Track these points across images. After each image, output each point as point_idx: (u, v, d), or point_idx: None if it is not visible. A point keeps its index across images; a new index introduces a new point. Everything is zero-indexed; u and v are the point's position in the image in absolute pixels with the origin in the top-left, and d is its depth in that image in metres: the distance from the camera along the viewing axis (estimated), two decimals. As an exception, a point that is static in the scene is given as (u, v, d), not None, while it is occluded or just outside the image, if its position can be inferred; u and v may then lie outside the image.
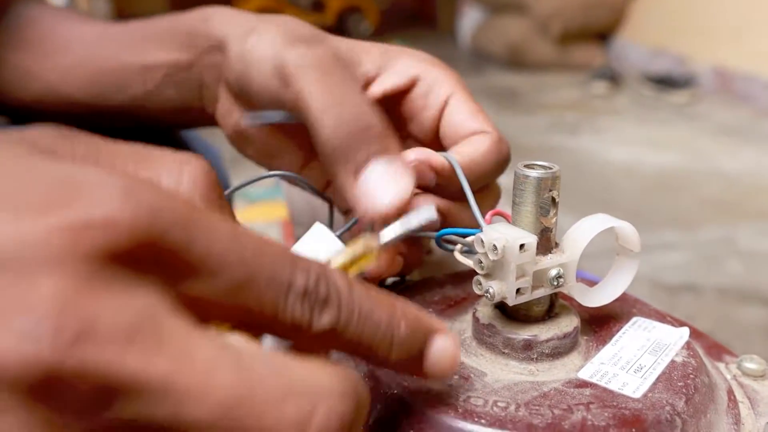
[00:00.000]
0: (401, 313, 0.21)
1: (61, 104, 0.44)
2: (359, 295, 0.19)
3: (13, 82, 0.46)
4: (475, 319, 0.28)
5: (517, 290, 0.26)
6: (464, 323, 0.30)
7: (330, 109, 0.29)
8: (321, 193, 0.33)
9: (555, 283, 0.27)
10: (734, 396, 0.27)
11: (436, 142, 0.35)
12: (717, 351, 0.32)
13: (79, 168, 0.16)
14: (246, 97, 0.35)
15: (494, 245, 0.25)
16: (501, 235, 0.26)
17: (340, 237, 0.29)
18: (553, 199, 0.27)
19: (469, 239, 0.28)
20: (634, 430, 0.23)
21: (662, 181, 2.10)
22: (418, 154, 0.30)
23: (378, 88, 0.34)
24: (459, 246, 0.28)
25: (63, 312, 0.14)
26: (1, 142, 0.18)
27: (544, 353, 0.27)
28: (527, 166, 0.27)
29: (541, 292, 0.27)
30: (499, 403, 0.24)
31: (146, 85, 0.40)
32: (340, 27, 4.63)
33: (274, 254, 0.18)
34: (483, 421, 0.23)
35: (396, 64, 0.34)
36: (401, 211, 0.27)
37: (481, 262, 0.26)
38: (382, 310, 0.20)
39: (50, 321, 0.14)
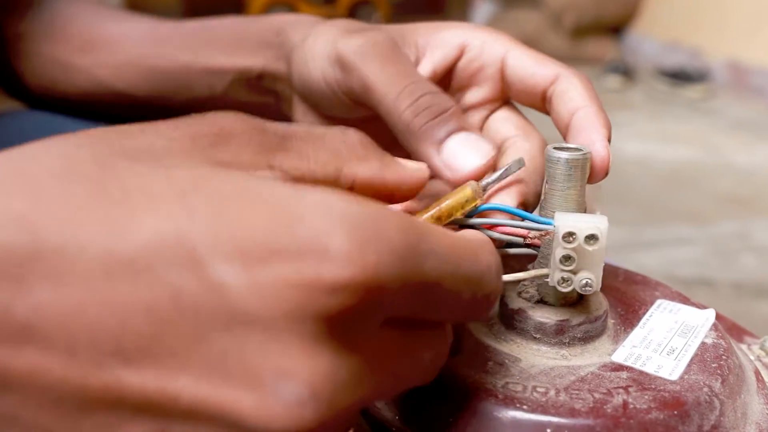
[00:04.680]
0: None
1: (115, 99, 0.46)
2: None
3: (54, 75, 0.47)
4: (504, 305, 0.28)
5: None
6: None
7: (406, 94, 0.31)
8: None
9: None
10: (761, 376, 0.28)
11: (496, 103, 0.35)
12: (737, 332, 0.32)
13: (296, 196, 0.17)
14: (311, 99, 0.36)
15: (593, 234, 0.24)
16: (592, 225, 0.24)
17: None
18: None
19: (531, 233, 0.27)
20: (675, 412, 0.23)
21: (676, 175, 2.09)
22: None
23: (427, 66, 0.34)
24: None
25: (317, 381, 0.16)
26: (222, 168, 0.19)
27: (576, 337, 0.27)
28: (558, 149, 0.27)
29: None
30: (538, 389, 0.24)
31: (213, 89, 0.42)
32: (351, 19, 4.62)
33: (481, 256, 0.20)
34: (525, 407, 0.23)
35: (441, 36, 0.34)
36: (485, 174, 0.29)
37: (569, 257, 0.25)
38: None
39: (310, 390, 0.16)
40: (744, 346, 0.30)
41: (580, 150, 0.27)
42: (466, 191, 0.26)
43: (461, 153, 0.30)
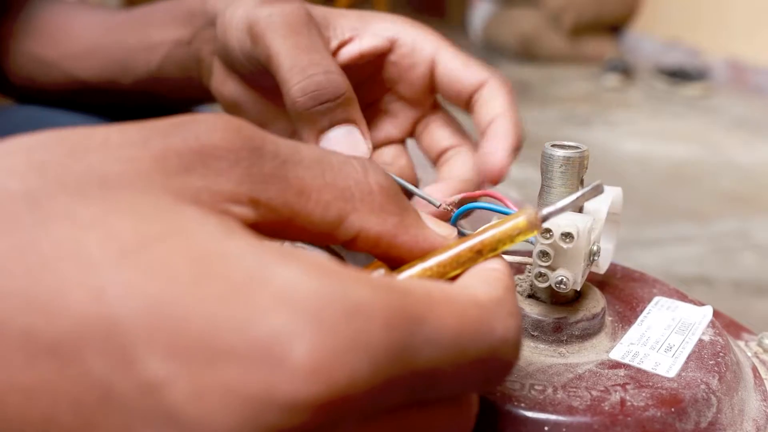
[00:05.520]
0: None
1: (79, 88, 0.46)
2: None
3: (35, 70, 0.48)
4: None
5: None
6: None
7: (298, 70, 0.30)
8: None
9: (593, 259, 0.27)
10: (759, 373, 0.28)
11: (427, 100, 0.36)
12: (735, 329, 0.32)
13: (261, 273, 0.14)
14: (230, 63, 0.36)
15: (569, 233, 0.24)
16: (570, 222, 0.24)
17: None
18: (582, 178, 0.27)
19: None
20: (672, 409, 0.23)
21: (676, 173, 2.09)
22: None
23: (354, 48, 0.34)
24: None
25: None
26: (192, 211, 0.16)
27: (574, 335, 0.27)
28: (555, 146, 0.27)
29: (586, 271, 0.27)
30: (536, 387, 0.24)
31: (149, 65, 0.42)
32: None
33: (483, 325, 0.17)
34: (523, 404, 0.23)
35: (372, 27, 0.34)
36: None
37: (546, 253, 0.25)
38: None
39: None
40: (741, 343, 0.30)
41: (577, 148, 0.27)
42: (519, 221, 0.21)
43: (339, 148, 0.29)
